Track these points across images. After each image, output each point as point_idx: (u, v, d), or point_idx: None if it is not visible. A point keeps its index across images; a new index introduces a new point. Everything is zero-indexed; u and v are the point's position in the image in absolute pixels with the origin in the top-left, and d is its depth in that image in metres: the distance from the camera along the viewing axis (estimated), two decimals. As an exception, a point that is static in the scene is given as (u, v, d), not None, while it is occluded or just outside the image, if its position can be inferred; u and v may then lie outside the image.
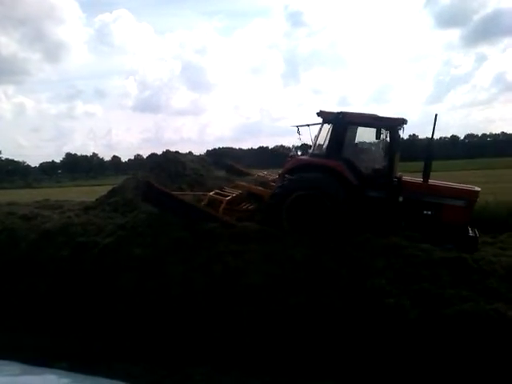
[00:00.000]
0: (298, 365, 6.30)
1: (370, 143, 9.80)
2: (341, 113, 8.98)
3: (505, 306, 6.51)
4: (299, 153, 10.78)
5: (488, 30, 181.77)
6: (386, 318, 6.50)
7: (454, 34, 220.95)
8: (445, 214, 8.83)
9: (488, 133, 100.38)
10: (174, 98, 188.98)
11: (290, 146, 11.94)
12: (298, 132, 9.78)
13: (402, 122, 9.08)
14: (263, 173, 12.69)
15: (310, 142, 9.84)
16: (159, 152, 12.27)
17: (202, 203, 8.78)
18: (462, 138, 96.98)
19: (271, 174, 12.08)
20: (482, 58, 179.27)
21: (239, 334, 6.57)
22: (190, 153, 13.19)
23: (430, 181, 9.09)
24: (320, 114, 9.35)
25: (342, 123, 9.01)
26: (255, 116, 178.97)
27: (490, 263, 7.56)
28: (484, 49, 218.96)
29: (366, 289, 6.93)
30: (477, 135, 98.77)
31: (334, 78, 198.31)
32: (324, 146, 9.26)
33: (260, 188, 10.27)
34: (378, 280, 7.01)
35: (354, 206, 8.57)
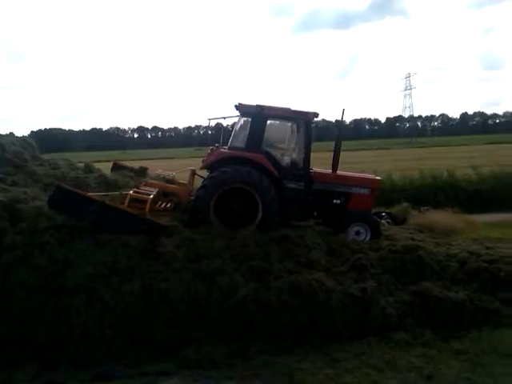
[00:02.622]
0: (134, 353, 6.17)
1: (286, 136, 9.85)
2: (260, 106, 9.09)
3: (325, 276, 7.26)
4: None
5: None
6: (221, 296, 6.72)
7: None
8: (351, 202, 9.57)
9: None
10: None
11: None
12: (209, 124, 9.58)
13: (316, 115, 9.45)
14: (158, 171, 11.97)
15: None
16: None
17: (125, 204, 7.83)
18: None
19: (165, 172, 11.51)
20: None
21: (68, 327, 6.15)
22: (12, 134, 11.83)
23: (338, 172, 9.69)
24: (238, 107, 9.32)
25: (260, 116, 9.10)
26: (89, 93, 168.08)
27: (313, 238, 8.33)
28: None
29: (201, 270, 7.07)
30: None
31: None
32: (243, 139, 9.27)
33: (174, 186, 9.90)
34: (213, 261, 7.21)
35: (279, 197, 8.76)
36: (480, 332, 6.67)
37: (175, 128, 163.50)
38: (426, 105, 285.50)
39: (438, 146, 66.03)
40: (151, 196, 8.25)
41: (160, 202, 9.15)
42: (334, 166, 9.57)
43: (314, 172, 9.58)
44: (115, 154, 73.16)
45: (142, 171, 11.83)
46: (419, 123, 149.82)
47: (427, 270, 7.79)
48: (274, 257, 7.61)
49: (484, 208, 16.10)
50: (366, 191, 9.69)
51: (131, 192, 8.26)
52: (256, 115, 9.12)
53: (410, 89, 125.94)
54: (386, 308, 6.93)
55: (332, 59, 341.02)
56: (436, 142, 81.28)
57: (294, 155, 9.52)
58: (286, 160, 9.51)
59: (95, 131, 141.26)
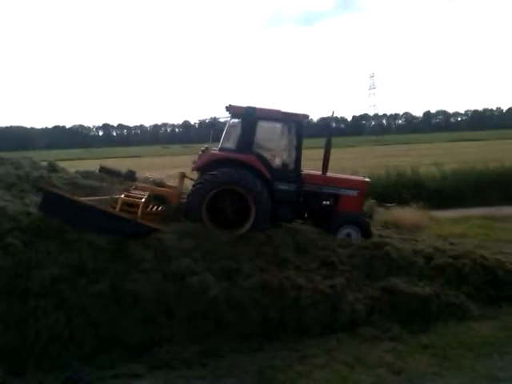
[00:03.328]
0: (104, 355, 6.06)
1: (277, 137, 9.77)
2: (251, 108, 8.99)
3: (294, 273, 7.32)
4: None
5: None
6: (191, 296, 6.67)
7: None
8: (341, 203, 9.63)
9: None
10: None
11: None
12: (201, 125, 9.40)
13: (307, 117, 9.45)
14: (146, 174, 11.83)
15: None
16: None
17: (117, 208, 7.67)
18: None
19: (154, 175, 11.31)
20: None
21: (35, 330, 5.97)
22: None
23: (328, 173, 9.72)
24: (229, 108, 9.20)
25: (252, 118, 8.99)
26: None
27: (281, 237, 8.38)
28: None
29: (171, 270, 7.01)
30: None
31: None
32: (234, 141, 9.18)
33: (164, 189, 9.69)
34: (183, 261, 7.15)
35: (271, 199, 8.71)
36: (446, 326, 6.86)
37: (141, 126, 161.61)
38: (391, 103, 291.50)
39: (402, 143, 67.63)
40: (143, 200, 8.13)
41: (151, 206, 9.02)
42: (324, 168, 9.61)
43: (304, 173, 9.62)
44: (79, 153, 71.72)
45: (131, 175, 11.73)
46: (384, 121, 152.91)
47: (394, 266, 7.96)
48: (245, 256, 7.60)
49: (447, 204, 16.59)
50: (354, 192, 9.82)
51: (122, 196, 8.12)
52: (247, 117, 9.06)
53: (374, 88, 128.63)
54: (354, 304, 7.04)
55: (297, 56, 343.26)
56: (400, 139, 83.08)
57: (285, 157, 9.54)
58: (277, 161, 9.52)
59: (58, 129, 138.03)
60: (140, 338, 6.23)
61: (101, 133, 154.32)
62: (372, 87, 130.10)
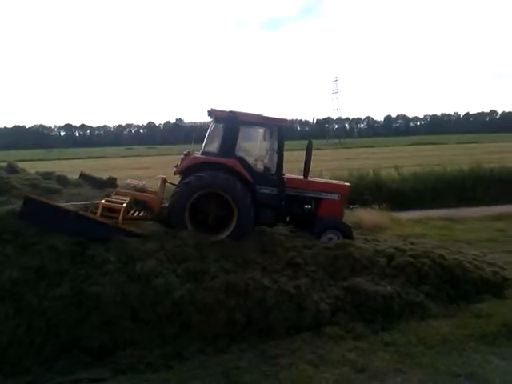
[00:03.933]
0: (66, 359, 5.89)
1: (259, 142, 9.84)
2: (233, 112, 8.97)
3: (260, 274, 7.35)
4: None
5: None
6: (156, 298, 6.60)
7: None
8: (322, 207, 9.75)
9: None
10: None
11: None
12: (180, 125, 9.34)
13: (289, 121, 9.48)
14: (127, 180, 11.66)
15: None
16: None
17: (98, 214, 7.64)
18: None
19: (134, 181, 11.18)
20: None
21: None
22: None
23: (309, 178, 9.83)
24: (211, 112, 9.20)
25: (234, 122, 8.97)
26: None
27: (247, 238, 8.42)
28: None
29: (135, 272, 6.91)
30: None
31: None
32: (216, 144, 9.18)
33: (145, 194, 9.54)
34: (148, 262, 7.07)
35: (253, 202, 8.71)
36: (407, 324, 7.01)
37: (105, 126, 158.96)
38: (353, 107, 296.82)
39: (364, 146, 69.05)
40: (124, 205, 8.07)
41: (132, 211, 8.93)
42: (305, 172, 9.69)
43: (286, 177, 9.68)
44: (40, 153, 69.81)
45: (111, 181, 11.85)
46: (347, 125, 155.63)
47: (358, 266, 8.09)
48: (211, 257, 7.57)
49: (407, 206, 17.04)
50: (335, 196, 9.99)
51: (103, 201, 8.06)
52: (229, 121, 9.07)
53: (338, 92, 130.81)
54: (319, 303, 7.10)
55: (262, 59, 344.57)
56: (363, 143, 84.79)
57: (267, 161, 9.61)
58: (259, 165, 9.57)
59: (18, 129, 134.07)
60: (102, 342, 6.09)
61: (62, 133, 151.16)
62: (335, 91, 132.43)
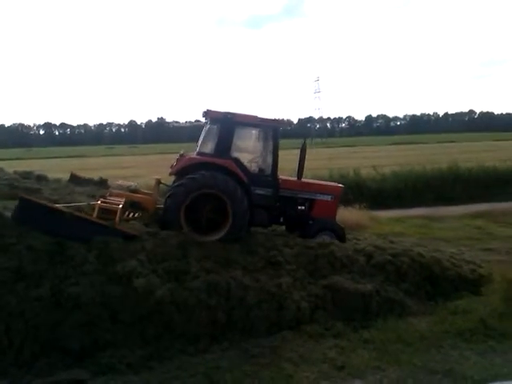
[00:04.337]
0: (45, 361, 5.82)
1: (254, 143, 9.83)
2: (229, 113, 8.99)
3: (241, 273, 7.38)
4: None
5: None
6: (137, 298, 6.56)
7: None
8: (316, 208, 9.80)
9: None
10: None
11: None
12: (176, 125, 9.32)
13: (285, 123, 9.36)
14: (119, 181, 11.47)
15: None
16: None
17: (94, 215, 7.60)
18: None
19: (126, 182, 11.01)
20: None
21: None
22: None
23: (303, 179, 9.88)
24: (207, 113, 9.17)
25: (230, 123, 8.99)
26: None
27: (232, 240, 8.43)
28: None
29: (116, 272, 6.87)
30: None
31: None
32: (211, 145, 9.16)
33: (140, 195, 9.44)
34: (128, 262, 7.03)
35: (249, 203, 8.71)
36: (386, 322, 7.11)
37: (85, 125, 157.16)
38: (335, 107, 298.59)
39: (345, 146, 69.56)
40: (120, 206, 8.07)
41: (127, 212, 8.89)
42: (299, 173, 9.74)
43: (281, 179, 9.72)
44: (19, 152, 68.66)
45: (103, 182, 11.89)
46: (328, 124, 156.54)
47: (338, 265, 8.17)
48: (192, 257, 7.57)
49: (387, 205, 17.27)
50: (329, 198, 10.05)
51: (99, 202, 8.04)
52: (225, 122, 9.08)
53: (319, 91, 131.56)
54: (299, 302, 7.16)
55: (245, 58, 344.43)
56: (344, 142, 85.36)
57: (262, 162, 9.63)
58: (254, 166, 9.60)
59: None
60: (82, 343, 6.04)
61: (42, 132, 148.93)
62: (317, 91, 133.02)
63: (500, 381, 5.41)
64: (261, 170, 9.51)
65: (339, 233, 9.68)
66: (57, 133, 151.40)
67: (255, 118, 9.38)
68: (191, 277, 7.10)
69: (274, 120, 9.55)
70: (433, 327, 7.00)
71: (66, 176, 13.20)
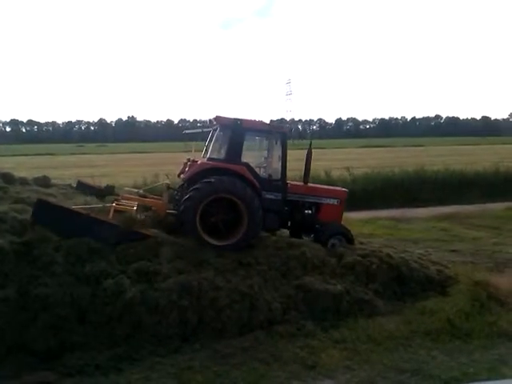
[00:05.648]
0: (11, 363, 5.69)
1: (264, 148, 9.93)
2: (238, 119, 9.06)
3: (213, 274, 7.36)
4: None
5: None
6: (106, 299, 6.48)
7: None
8: (322, 212, 9.90)
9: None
10: None
11: None
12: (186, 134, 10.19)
13: (291, 129, 9.37)
14: (125, 189, 11.76)
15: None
16: None
17: (110, 216, 7.79)
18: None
19: (132, 189, 11.24)
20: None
21: None
22: None
23: (309, 184, 10.02)
24: (216, 119, 9.23)
25: (239, 129, 9.04)
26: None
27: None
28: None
29: (85, 273, 6.76)
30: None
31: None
32: (222, 151, 9.25)
33: (151, 200, 9.82)
34: (97, 263, 6.92)
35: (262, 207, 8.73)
36: (356, 322, 7.20)
37: (53, 122, 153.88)
38: (306, 109, 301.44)
39: (316, 148, 70.04)
40: (135, 208, 8.33)
41: (139, 215, 8.98)
42: (305, 177, 9.82)
43: (289, 183, 9.80)
44: (-17, 149, 66.54)
45: (109, 189, 12.13)
46: (299, 126, 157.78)
47: (309, 265, 8.24)
48: (163, 258, 7.51)
49: (356, 206, 17.47)
50: (335, 202, 10.17)
51: (114, 204, 8.31)
52: (235, 128, 9.12)
53: (291, 94, 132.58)
54: (271, 302, 7.21)
55: (217, 59, 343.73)
56: (315, 144, 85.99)
57: (271, 167, 9.73)
58: (264, 171, 9.70)
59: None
60: (49, 344, 5.94)
61: (8, 129, 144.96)
62: (288, 93, 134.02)
63: (500, 380, 5.54)
64: (270, 175, 9.62)
65: (348, 236, 9.82)
66: (24, 130, 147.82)
67: (264, 123, 9.70)
68: (162, 277, 7.04)
69: (282, 126, 9.85)
70: (401, 327, 7.12)
71: (32, 174, 12.93)
